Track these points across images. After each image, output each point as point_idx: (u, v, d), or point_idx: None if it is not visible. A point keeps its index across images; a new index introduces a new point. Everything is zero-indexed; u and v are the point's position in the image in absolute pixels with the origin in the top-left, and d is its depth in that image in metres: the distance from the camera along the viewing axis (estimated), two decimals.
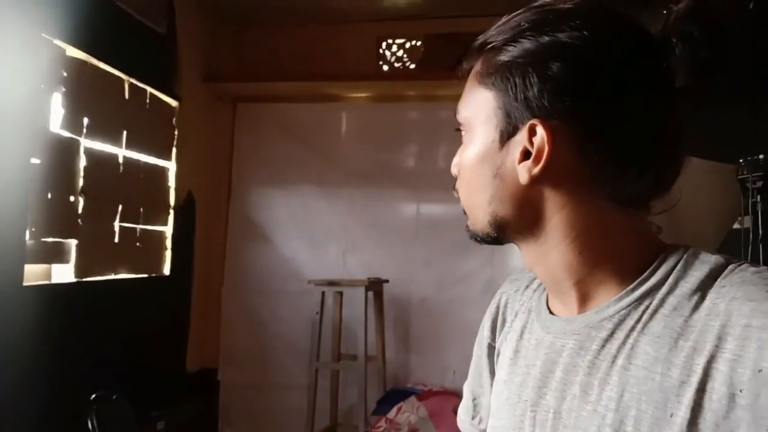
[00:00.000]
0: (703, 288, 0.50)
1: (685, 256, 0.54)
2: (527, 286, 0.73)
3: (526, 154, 0.56)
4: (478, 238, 0.62)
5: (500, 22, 0.58)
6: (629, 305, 0.54)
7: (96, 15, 2.49)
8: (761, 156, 1.84)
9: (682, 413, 0.46)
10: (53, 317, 2.30)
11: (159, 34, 2.98)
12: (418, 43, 3.66)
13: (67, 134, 2.38)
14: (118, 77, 2.71)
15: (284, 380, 3.55)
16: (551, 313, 0.64)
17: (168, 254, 3.18)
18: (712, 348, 0.46)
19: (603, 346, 0.54)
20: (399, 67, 3.66)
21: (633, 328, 0.53)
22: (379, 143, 3.63)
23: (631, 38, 0.54)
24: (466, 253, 3.38)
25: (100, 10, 2.52)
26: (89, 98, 2.49)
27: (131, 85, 2.79)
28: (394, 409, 3.04)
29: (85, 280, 2.50)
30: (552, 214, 0.57)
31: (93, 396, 1.61)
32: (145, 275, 2.99)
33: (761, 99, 2.11)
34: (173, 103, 3.17)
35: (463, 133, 0.62)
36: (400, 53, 3.66)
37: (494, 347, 0.76)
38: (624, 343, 0.53)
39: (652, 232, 0.59)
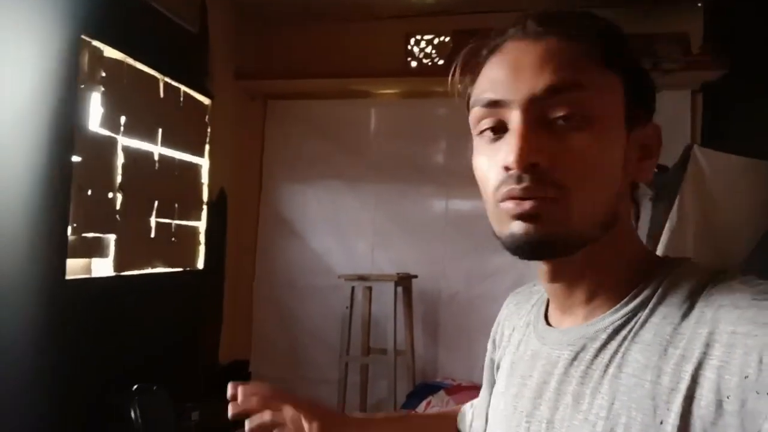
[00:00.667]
0: (693, 297, 0.51)
1: (678, 268, 0.55)
2: (527, 300, 0.73)
3: (645, 152, 0.57)
4: (566, 243, 0.54)
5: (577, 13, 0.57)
6: (624, 316, 0.54)
7: (132, 16, 2.56)
8: None
9: (672, 420, 0.46)
10: (93, 310, 2.38)
11: (192, 34, 3.04)
12: (447, 39, 3.65)
13: (105, 132, 2.46)
14: (154, 76, 2.78)
15: (314, 374, 3.60)
16: (549, 324, 0.64)
17: (201, 249, 3.25)
18: (700, 355, 0.46)
19: (596, 356, 0.54)
20: (427, 63, 3.66)
21: (625, 338, 0.53)
22: (407, 139, 3.64)
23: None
24: (495, 249, 3.25)
25: (136, 11, 2.59)
26: (126, 97, 2.56)
27: (166, 84, 2.86)
28: (423, 403, 3.06)
29: (123, 274, 2.58)
30: (622, 216, 0.57)
31: (135, 387, 1.67)
32: (180, 269, 3.07)
33: None
34: (206, 101, 3.23)
35: (578, 118, 0.53)
36: (428, 49, 3.66)
37: (494, 360, 0.78)
38: (616, 352, 0.53)
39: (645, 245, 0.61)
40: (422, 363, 3.52)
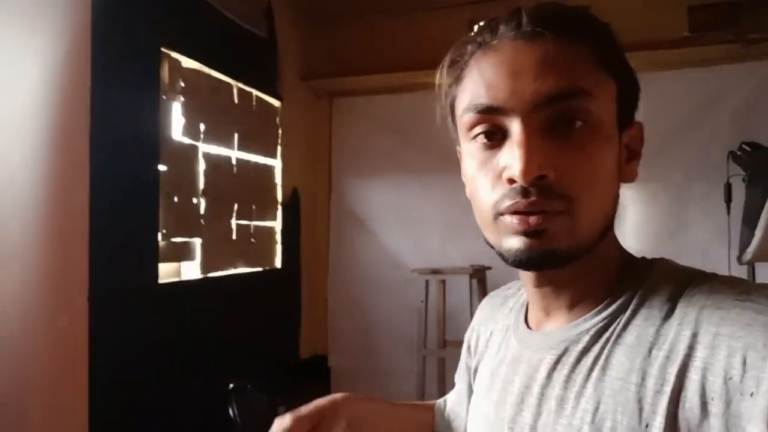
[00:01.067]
0: (674, 297, 0.50)
1: (655, 269, 0.54)
2: (502, 304, 0.72)
3: (630, 154, 0.56)
4: (570, 255, 0.53)
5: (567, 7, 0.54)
6: (605, 318, 0.53)
7: (205, 25, 2.65)
8: None
9: (658, 423, 0.45)
10: (184, 311, 2.49)
11: (261, 39, 3.11)
12: None
13: (187, 141, 2.55)
14: (228, 83, 2.86)
15: (391, 367, 3.64)
16: (529, 328, 0.62)
17: (278, 248, 3.34)
18: (684, 357, 0.46)
19: (579, 360, 0.53)
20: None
21: (608, 340, 0.52)
22: None
23: None
24: None
25: (209, 21, 2.67)
26: (204, 105, 2.65)
27: (239, 89, 2.94)
28: None
29: (209, 275, 2.68)
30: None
31: (231, 386, 1.73)
32: (260, 269, 3.16)
33: None
34: (276, 103, 3.30)
35: (580, 124, 0.51)
36: None
37: (469, 367, 0.77)
38: (599, 355, 0.52)
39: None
40: None
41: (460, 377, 0.82)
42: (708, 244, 2.92)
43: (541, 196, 0.50)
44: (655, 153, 3.13)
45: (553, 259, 0.52)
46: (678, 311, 0.49)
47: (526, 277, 0.60)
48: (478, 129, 0.55)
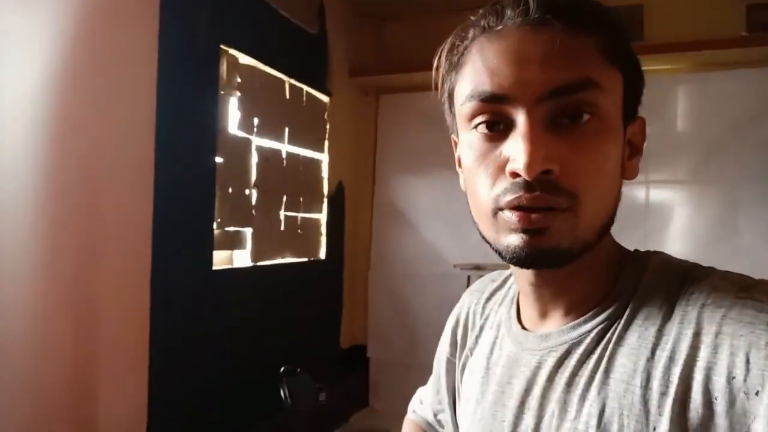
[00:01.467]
0: (673, 296, 0.49)
1: (650, 264, 0.53)
2: (489, 298, 0.69)
3: (633, 149, 0.55)
4: (572, 253, 0.51)
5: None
6: (606, 319, 0.52)
7: (261, 22, 2.74)
8: None
9: (665, 425, 0.44)
10: (236, 297, 2.60)
11: (312, 35, 3.19)
12: None
13: (242, 134, 2.66)
14: (280, 79, 2.95)
15: (429, 361, 3.68)
16: (523, 327, 0.60)
17: (323, 240, 3.43)
18: (687, 357, 0.45)
19: (582, 362, 0.52)
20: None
21: (609, 341, 0.51)
22: None
23: None
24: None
25: (264, 18, 2.77)
26: (258, 100, 2.75)
27: (291, 85, 3.03)
28: None
29: (259, 264, 2.79)
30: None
31: (282, 369, 1.83)
32: (306, 259, 3.26)
33: None
34: (325, 98, 3.39)
35: (587, 118, 0.49)
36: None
37: (453, 363, 0.73)
38: (601, 357, 0.51)
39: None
40: None
41: (439, 374, 0.77)
42: (756, 249, 2.87)
43: (545, 191, 0.48)
44: (709, 154, 3.08)
45: (554, 258, 0.50)
46: (678, 310, 0.48)
47: (522, 274, 0.57)
48: (480, 118, 0.52)
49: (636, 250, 0.57)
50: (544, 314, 0.58)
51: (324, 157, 3.43)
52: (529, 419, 0.55)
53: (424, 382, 3.61)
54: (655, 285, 0.51)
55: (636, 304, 0.51)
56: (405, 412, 0.91)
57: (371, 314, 3.92)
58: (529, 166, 0.47)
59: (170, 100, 2.08)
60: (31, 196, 1.58)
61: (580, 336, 0.53)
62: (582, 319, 0.54)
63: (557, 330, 0.55)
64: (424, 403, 0.82)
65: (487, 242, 0.54)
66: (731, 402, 0.42)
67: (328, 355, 3.50)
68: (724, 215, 3.09)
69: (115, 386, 1.84)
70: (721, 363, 0.43)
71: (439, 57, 0.59)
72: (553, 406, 0.53)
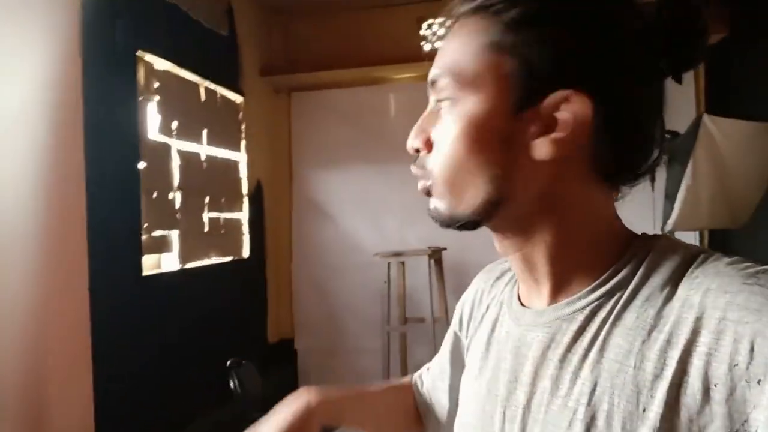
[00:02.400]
0: (675, 279, 0.48)
1: (656, 246, 0.52)
2: (498, 278, 0.70)
3: (548, 127, 0.50)
4: (451, 223, 0.55)
5: None
6: (601, 297, 0.52)
7: (173, 27, 2.75)
8: None
9: (656, 407, 0.44)
10: (165, 300, 2.63)
11: (223, 37, 3.23)
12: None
13: (162, 138, 2.67)
14: (195, 81, 2.98)
15: (356, 345, 3.87)
16: (522, 304, 0.60)
17: (245, 238, 3.49)
18: (686, 341, 0.44)
19: (575, 339, 0.52)
20: (440, 46, 3.83)
21: (605, 320, 0.50)
22: None
23: (638, 16, 0.51)
24: None
25: (176, 23, 2.78)
26: (175, 104, 2.77)
27: (206, 87, 3.06)
28: None
29: (186, 266, 2.82)
30: (555, 196, 0.52)
31: (228, 362, 1.93)
32: (230, 258, 3.31)
33: None
34: (238, 99, 3.43)
35: (443, 100, 0.53)
36: (441, 32, 3.83)
37: (459, 337, 0.75)
38: (596, 335, 0.50)
39: (620, 220, 0.56)
40: None
41: (444, 350, 0.79)
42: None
43: (416, 166, 0.56)
44: None
45: (447, 221, 0.55)
46: (680, 292, 0.47)
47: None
48: None
49: (644, 233, 0.56)
50: (529, 289, 0.58)
51: (242, 157, 3.49)
52: (521, 394, 0.55)
53: (353, 364, 3.85)
54: (658, 267, 0.50)
55: (637, 284, 0.50)
56: None
57: (297, 306, 4.03)
58: (408, 145, 0.57)
59: (96, 107, 2.08)
60: None
61: (573, 312, 0.53)
62: (576, 296, 0.53)
63: (552, 307, 0.55)
64: (430, 370, 0.84)
65: None
66: (731, 389, 0.41)
67: (256, 350, 3.57)
68: None
69: (60, 392, 1.85)
70: (723, 350, 0.42)
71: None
72: (545, 383, 0.53)
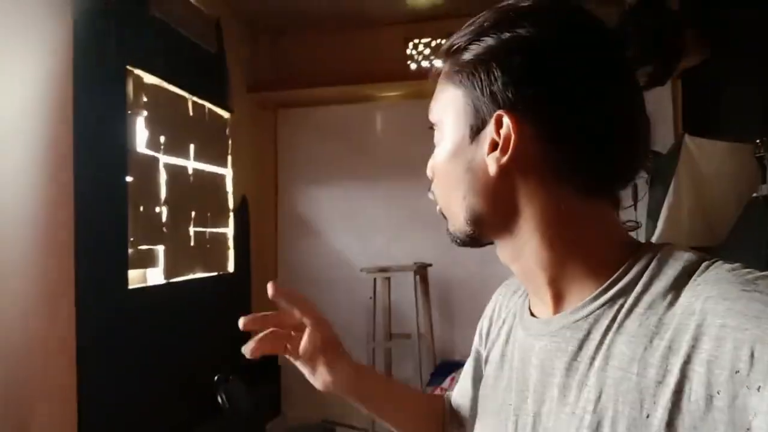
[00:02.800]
0: (678, 286, 0.49)
1: (659, 254, 0.53)
2: (515, 291, 0.73)
3: (494, 146, 0.55)
4: (459, 240, 0.62)
5: (465, 25, 0.59)
6: (604, 304, 0.53)
7: (163, 43, 2.77)
8: None
9: (659, 414, 0.45)
10: (150, 315, 2.61)
11: (211, 54, 3.25)
12: (443, 41, 3.89)
13: (150, 152, 2.67)
14: (183, 97, 2.99)
15: None
16: (532, 314, 0.63)
17: (231, 253, 3.48)
18: (688, 348, 0.45)
19: (580, 348, 0.53)
20: (426, 65, 3.90)
21: (609, 328, 0.52)
22: (412, 137, 3.87)
23: (589, 30, 0.55)
24: None
25: (166, 38, 2.80)
26: (163, 118, 2.77)
27: (193, 102, 3.07)
28: (448, 379, 3.33)
29: (172, 281, 2.80)
30: (523, 206, 0.56)
31: (216, 377, 1.92)
32: (215, 273, 3.29)
33: None
34: (226, 114, 3.45)
35: (435, 133, 0.62)
36: (426, 52, 3.90)
37: (480, 352, 0.77)
38: (601, 343, 0.52)
39: (624, 229, 0.58)
40: (441, 343, 3.81)
41: (467, 368, 0.82)
42: None
43: (430, 192, 0.65)
44: None
45: (455, 239, 0.62)
46: (682, 300, 0.48)
47: None
48: None
49: (647, 242, 0.57)
50: (542, 301, 0.60)
51: (228, 172, 3.49)
52: (531, 403, 0.57)
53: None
54: (661, 274, 0.51)
55: (640, 292, 0.51)
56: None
57: None
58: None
59: (85, 121, 2.09)
60: None
61: (577, 321, 0.54)
62: (580, 304, 0.55)
63: (557, 316, 0.57)
64: (457, 387, 0.87)
65: None
66: (733, 396, 0.41)
67: (240, 366, 3.54)
68: None
69: (44, 405, 1.82)
70: (724, 356, 0.42)
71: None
72: (553, 391, 0.54)
